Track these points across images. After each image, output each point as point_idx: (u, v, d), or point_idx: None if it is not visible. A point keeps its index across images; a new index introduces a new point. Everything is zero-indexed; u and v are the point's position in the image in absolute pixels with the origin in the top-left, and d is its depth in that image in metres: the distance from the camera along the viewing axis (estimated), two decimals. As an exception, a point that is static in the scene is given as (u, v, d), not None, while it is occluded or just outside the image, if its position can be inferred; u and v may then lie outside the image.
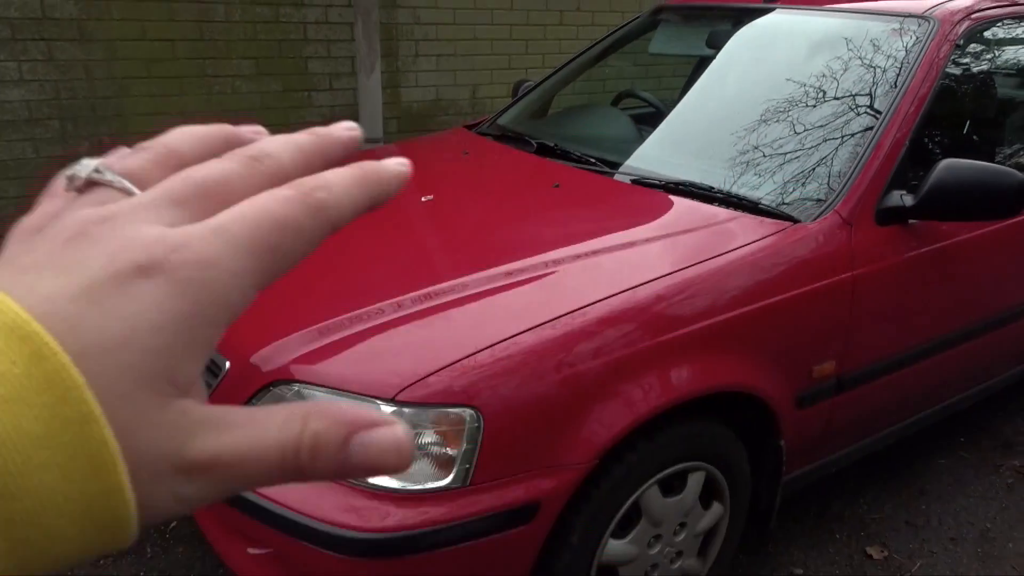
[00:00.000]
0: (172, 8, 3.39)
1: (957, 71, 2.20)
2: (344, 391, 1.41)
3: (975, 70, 2.28)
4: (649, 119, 2.69)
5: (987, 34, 2.27)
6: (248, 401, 1.50)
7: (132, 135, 3.34)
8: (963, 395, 2.41)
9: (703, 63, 2.77)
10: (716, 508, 1.78)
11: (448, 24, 4.16)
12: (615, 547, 1.60)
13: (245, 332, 1.58)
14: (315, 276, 1.75)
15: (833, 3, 2.43)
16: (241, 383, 1.52)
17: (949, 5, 2.18)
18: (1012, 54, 2.40)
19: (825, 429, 1.92)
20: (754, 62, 2.45)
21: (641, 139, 2.42)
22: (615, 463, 1.52)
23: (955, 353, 2.15)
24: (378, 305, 1.57)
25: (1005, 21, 2.29)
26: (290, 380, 1.47)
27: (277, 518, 1.41)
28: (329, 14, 3.76)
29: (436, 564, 1.38)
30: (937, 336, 2.06)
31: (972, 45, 2.23)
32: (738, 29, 2.54)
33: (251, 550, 1.56)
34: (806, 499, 2.33)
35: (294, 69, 3.74)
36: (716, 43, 2.65)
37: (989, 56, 2.32)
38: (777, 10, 2.47)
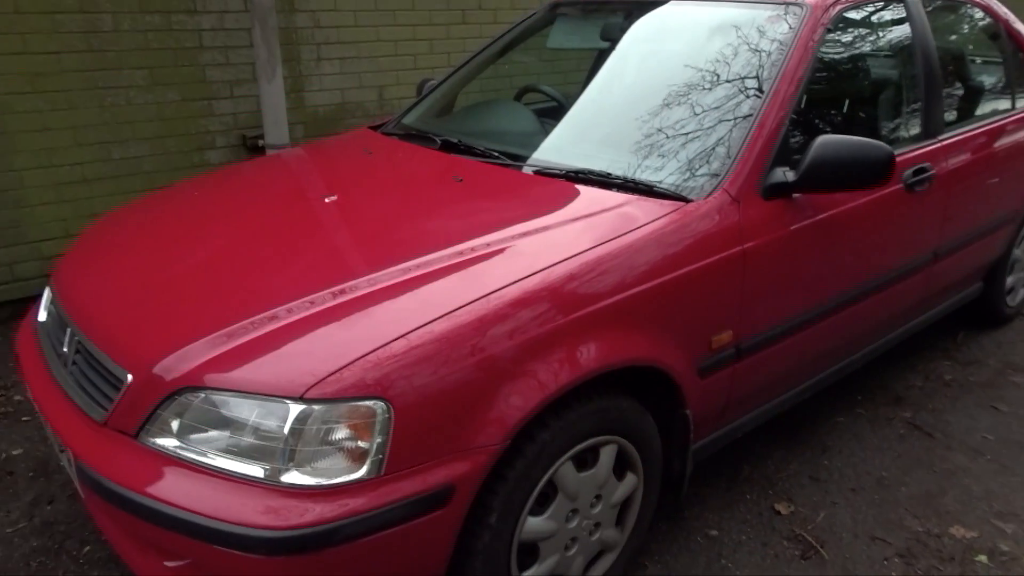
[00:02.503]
0: (55, 20, 3.26)
1: (830, 52, 2.34)
2: (252, 394, 1.42)
3: (846, 50, 2.43)
4: (551, 112, 2.77)
5: (855, 16, 2.43)
6: (153, 412, 1.48)
7: (19, 152, 3.21)
8: (856, 356, 2.58)
9: (601, 56, 2.87)
10: (630, 479, 1.85)
11: (350, 26, 4.13)
12: (534, 524, 1.65)
13: (145, 341, 1.56)
14: (219, 280, 1.74)
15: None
16: (144, 395, 1.50)
17: (818, -9, 2.32)
18: (878, 34, 2.56)
19: (728, 396, 2.03)
20: (646, 52, 2.54)
21: (543, 132, 2.48)
22: (528, 442, 1.57)
23: (843, 316, 2.30)
24: (287, 305, 1.58)
25: (871, 3, 2.45)
26: (197, 387, 1.46)
27: (193, 527, 1.40)
28: (225, 20, 3.69)
29: (358, 554, 1.40)
30: (825, 301, 2.20)
31: (842, 27, 2.38)
32: (630, 21, 2.64)
33: (168, 563, 1.54)
34: (718, 464, 2.44)
35: (191, 78, 3.65)
36: (610, 35, 2.75)
37: (858, 37, 2.48)
38: (667, 1, 2.57)
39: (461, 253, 1.70)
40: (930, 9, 2.71)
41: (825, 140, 1.94)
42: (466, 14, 4.56)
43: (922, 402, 2.84)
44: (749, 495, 2.32)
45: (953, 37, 2.99)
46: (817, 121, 2.25)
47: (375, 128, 2.83)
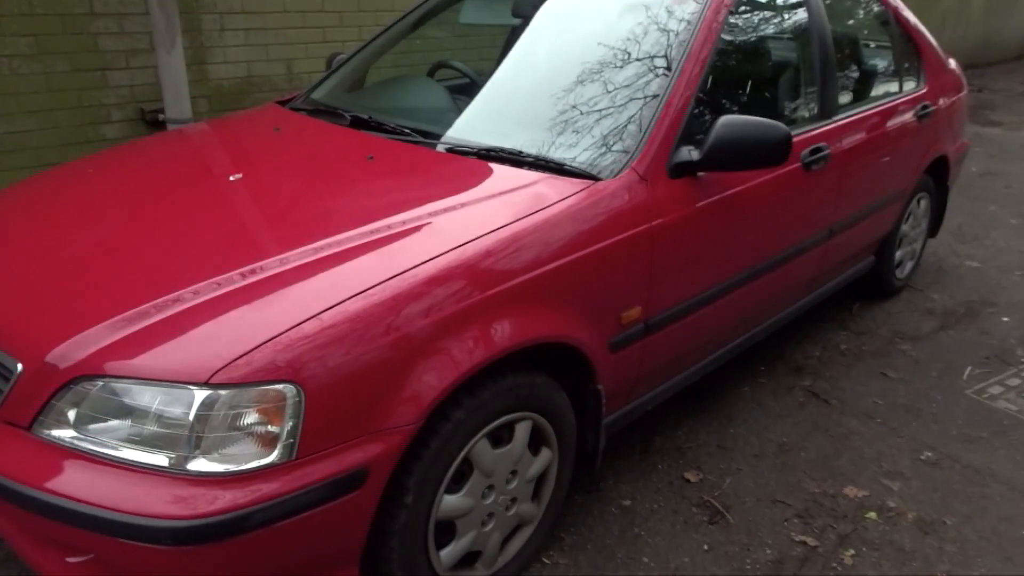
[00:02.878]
0: (-75, -20, 3.01)
1: (733, 34, 2.41)
2: (155, 380, 1.37)
3: (748, 33, 2.51)
4: (464, 89, 2.74)
5: (753, 2, 2.50)
6: (48, 402, 1.41)
7: None
8: (759, 328, 2.69)
9: (514, 32, 2.86)
10: (545, 454, 1.89)
11: (254, -5, 3.98)
12: (450, 502, 1.66)
13: (37, 328, 1.48)
14: (119, 263, 1.66)
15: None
16: (38, 384, 1.42)
17: (722, -28, 2.38)
18: (778, 17, 2.66)
19: (639, 369, 2.08)
20: (557, 30, 2.55)
21: (456, 109, 2.46)
22: (442, 421, 1.58)
23: (747, 290, 2.39)
24: (193, 287, 1.53)
25: (770, -12, 2.53)
26: (95, 375, 1.40)
27: (93, 520, 1.35)
28: (117, -14, 3.49)
29: (271, 540, 1.38)
30: (729, 277, 2.28)
31: (744, 10, 2.45)
32: (540, -2, 2.63)
33: (70, 559, 1.48)
34: (631, 436, 2.52)
35: (82, 46, 3.44)
36: (521, 12, 2.74)
37: (759, 20, 2.56)
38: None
39: (373, 232, 1.68)
40: (827, -5, 2.83)
41: (727, 120, 2.00)
42: (377, -14, 4.45)
43: (820, 371, 3.00)
44: (661, 465, 2.41)
45: (847, 22, 3.13)
46: (722, 101, 2.31)
47: (283, 103, 2.75)
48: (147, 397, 1.38)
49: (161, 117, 3.67)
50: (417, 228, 1.70)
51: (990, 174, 6.05)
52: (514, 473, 1.80)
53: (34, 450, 1.42)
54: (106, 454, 1.38)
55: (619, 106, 2.09)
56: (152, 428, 1.37)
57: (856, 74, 3.03)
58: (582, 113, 2.11)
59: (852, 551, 2.08)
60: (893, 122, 3.03)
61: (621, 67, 2.19)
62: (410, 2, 4.37)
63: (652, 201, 1.95)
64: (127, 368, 1.39)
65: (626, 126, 2.04)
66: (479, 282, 1.61)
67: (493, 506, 1.78)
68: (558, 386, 1.85)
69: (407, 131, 2.21)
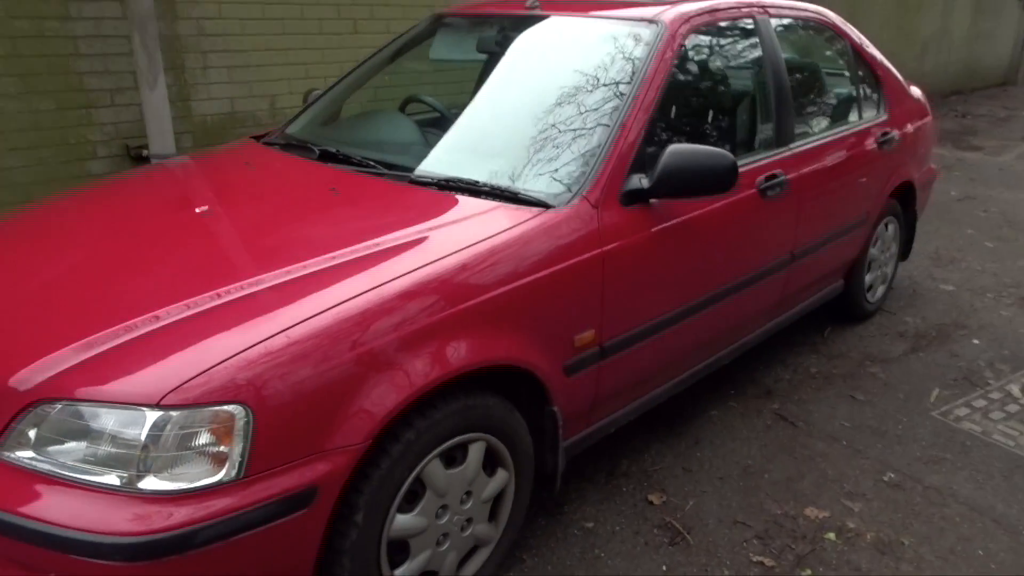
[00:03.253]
0: (-85, 24, 3.12)
1: (686, 67, 2.50)
2: (109, 403, 1.42)
3: (702, 65, 2.60)
4: (433, 122, 2.84)
5: (709, 34, 2.60)
6: (8, 424, 1.46)
7: None
8: (724, 351, 2.74)
9: (480, 68, 2.96)
10: (501, 475, 1.93)
11: (237, 35, 4.10)
12: (403, 521, 1.70)
13: (1, 354, 1.54)
14: (84, 292, 1.73)
15: (586, 11, 2.66)
16: (1, 408, 1.48)
17: (673, 11, 2.48)
18: (732, 51, 2.75)
19: (596, 393, 2.13)
20: (518, 65, 2.63)
21: (423, 141, 2.55)
22: (392, 442, 1.62)
23: (707, 314, 2.45)
24: (153, 313, 1.59)
25: (720, 24, 2.63)
26: (54, 399, 1.45)
27: (50, 538, 1.39)
28: (102, 27, 3.60)
29: (223, 555, 1.42)
30: (687, 301, 2.34)
31: (697, 44, 2.54)
32: (504, 35, 2.74)
33: (29, 580, 1.52)
34: (598, 460, 2.56)
35: (67, 86, 3.54)
36: (485, 48, 2.84)
37: (712, 53, 2.65)
38: (538, 16, 2.68)
39: (332, 259, 1.74)
40: (781, 28, 2.93)
41: (674, 149, 2.07)
42: (358, 23, 4.58)
43: (789, 394, 3.05)
44: (626, 488, 2.44)
45: (804, 55, 3.23)
46: (676, 132, 2.39)
47: (259, 138, 2.83)
48: (102, 419, 1.43)
49: (145, 153, 3.76)
50: (372, 256, 1.77)
51: (969, 198, 6.15)
52: (468, 494, 1.85)
53: (-5, 473, 1.47)
54: (62, 474, 1.43)
55: (573, 138, 2.17)
56: (107, 448, 1.42)
57: (815, 104, 3.12)
58: (537, 144, 2.19)
59: (809, 571, 2.11)
60: (854, 150, 3.12)
61: (576, 100, 2.27)
62: (385, 39, 4.50)
63: (603, 228, 2.02)
64: (84, 392, 1.44)
65: (579, 156, 2.11)
66: (428, 307, 1.66)
67: (448, 526, 1.82)
68: (512, 407, 1.90)
69: (372, 164, 2.29)
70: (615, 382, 2.18)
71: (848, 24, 3.44)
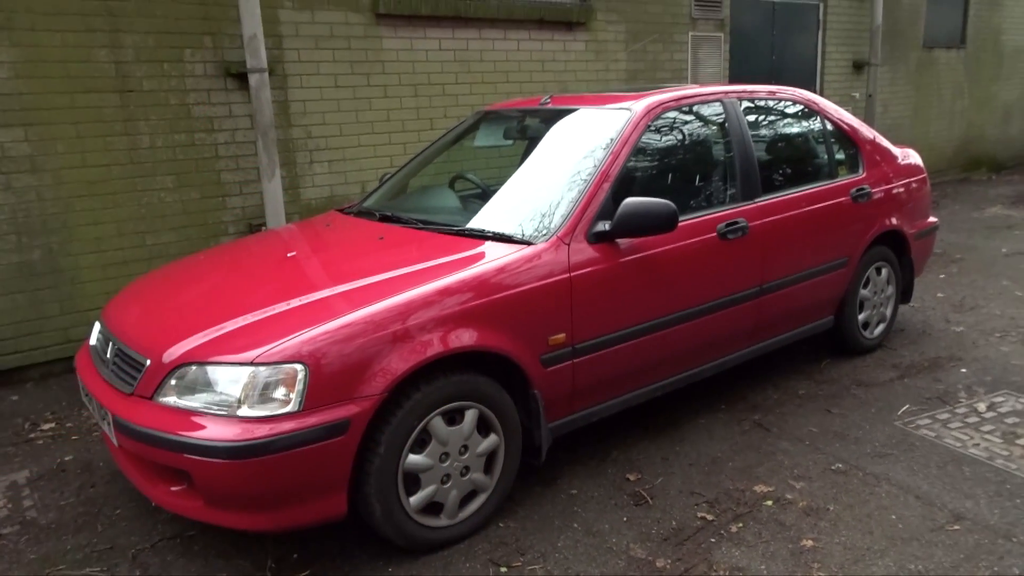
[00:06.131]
0: (107, 141, 4.32)
1: (656, 140, 3.24)
2: (226, 363, 2.26)
3: (669, 139, 3.33)
4: (478, 195, 3.69)
5: (668, 117, 3.33)
6: (163, 380, 2.33)
7: (76, 241, 4.18)
8: (704, 367, 3.34)
9: (510, 150, 3.81)
10: (492, 438, 2.63)
11: (336, 136, 5.18)
12: (414, 459, 2.43)
13: (158, 339, 2.43)
14: (210, 303, 2.62)
15: (584, 102, 3.47)
16: (157, 371, 2.35)
17: (648, 99, 3.25)
18: (700, 126, 3.47)
19: (574, 385, 2.81)
20: (528, 146, 3.46)
21: (459, 205, 3.40)
22: (404, 398, 2.38)
23: (674, 332, 3.09)
24: (253, 312, 2.45)
25: (682, 108, 3.36)
26: (189, 362, 2.31)
27: (184, 445, 2.22)
28: (236, 135, 4.74)
29: (286, 461, 2.20)
30: (650, 318, 3.00)
31: (661, 125, 3.28)
32: (522, 124, 3.59)
33: (173, 488, 2.35)
34: (594, 450, 3.19)
35: (209, 180, 4.68)
36: (509, 135, 3.70)
37: (672, 129, 3.37)
38: (548, 110, 3.52)
39: (373, 278, 2.56)
40: (750, 107, 3.62)
41: (628, 201, 2.80)
42: (433, 122, 5.60)
43: (772, 408, 3.57)
44: (611, 470, 3.06)
45: (776, 127, 3.87)
46: (642, 188, 3.11)
47: (341, 210, 3.76)
48: (218, 373, 2.27)
49: (264, 230, 4.82)
50: (402, 276, 2.57)
51: (1018, 254, 6.38)
52: (465, 447, 2.56)
53: (153, 410, 2.33)
54: (194, 407, 2.27)
55: (557, 196, 2.94)
56: (221, 390, 2.26)
57: (785, 165, 3.75)
58: (531, 203, 2.97)
59: (741, 524, 2.65)
60: (821, 202, 3.70)
61: (563, 170, 3.06)
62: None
63: (572, 259, 2.75)
64: (207, 358, 2.30)
65: (556, 209, 2.87)
66: (442, 306, 2.44)
67: (449, 469, 2.53)
68: (500, 387, 2.62)
69: (413, 221, 3.14)
70: (590, 378, 2.86)
71: (827, 101, 4.08)
